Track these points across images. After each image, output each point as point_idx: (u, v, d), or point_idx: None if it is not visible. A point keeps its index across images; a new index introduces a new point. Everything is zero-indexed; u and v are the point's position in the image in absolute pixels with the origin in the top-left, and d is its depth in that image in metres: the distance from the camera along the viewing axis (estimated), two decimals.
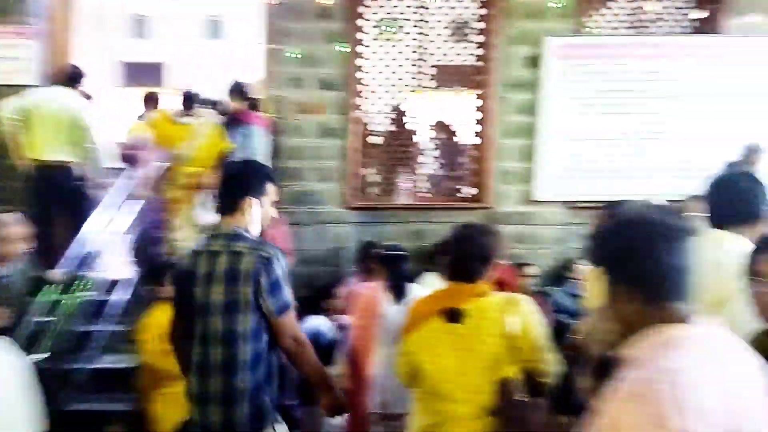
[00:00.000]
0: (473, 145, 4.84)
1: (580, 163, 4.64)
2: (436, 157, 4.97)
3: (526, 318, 2.06)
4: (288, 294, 1.97)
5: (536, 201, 4.73)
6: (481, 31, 4.66)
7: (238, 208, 2.01)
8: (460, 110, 4.88)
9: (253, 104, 4.66)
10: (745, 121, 4.48)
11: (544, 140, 4.63)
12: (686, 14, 4.72)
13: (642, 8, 4.70)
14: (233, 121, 4.36)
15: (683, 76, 4.55)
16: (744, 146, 4.20)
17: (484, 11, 4.62)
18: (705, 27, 4.67)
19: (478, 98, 4.74)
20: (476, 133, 4.79)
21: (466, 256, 2.17)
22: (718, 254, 1.79)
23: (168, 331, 2.17)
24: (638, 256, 1.06)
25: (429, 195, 4.90)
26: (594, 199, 4.63)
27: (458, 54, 4.79)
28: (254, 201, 2.02)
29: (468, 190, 4.86)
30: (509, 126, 4.69)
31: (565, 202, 4.72)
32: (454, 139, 5.02)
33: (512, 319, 2.06)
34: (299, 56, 4.57)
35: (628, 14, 4.72)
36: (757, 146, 4.19)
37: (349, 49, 4.56)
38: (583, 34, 4.61)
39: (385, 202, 4.88)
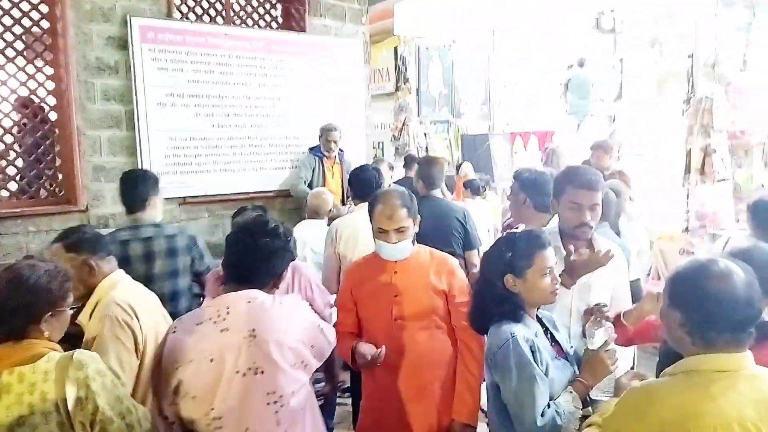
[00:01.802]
0: (56, 136, 4.03)
1: (185, 157, 4.38)
2: (7, 150, 3.94)
3: (85, 383, 1.64)
4: None
5: None
6: (42, 1, 3.87)
7: None
8: (35, 92, 3.98)
9: None
10: (324, 110, 4.99)
11: (143, 132, 4.19)
12: (272, 10, 4.92)
13: None
14: None
15: (276, 70, 4.73)
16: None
17: None
18: (290, 24, 4.96)
19: (50, 80, 3.95)
20: (55, 122, 4.00)
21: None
22: None
23: None
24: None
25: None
26: (204, 193, 4.50)
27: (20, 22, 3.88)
28: None
29: (48, 191, 4.04)
30: (97, 114, 4.07)
31: (173, 198, 4.40)
32: (30, 126, 4.08)
33: (70, 389, 1.61)
34: None
35: (218, 2, 4.63)
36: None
37: None
38: (173, 18, 4.30)
39: None
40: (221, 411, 1.67)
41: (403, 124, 8.54)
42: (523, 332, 1.72)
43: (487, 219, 5.99)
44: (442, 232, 3.34)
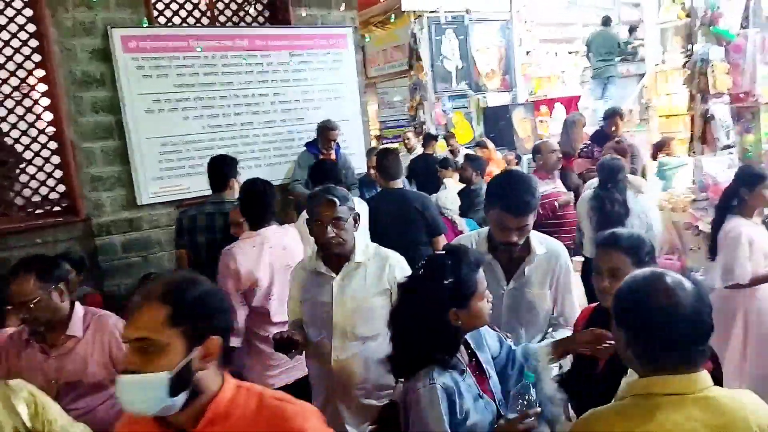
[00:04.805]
0: (52, 150, 4.21)
1: (178, 161, 4.47)
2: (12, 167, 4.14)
3: (33, 400, 1.76)
4: None
5: (140, 205, 4.42)
6: (30, 20, 4.01)
7: None
8: (28, 109, 4.15)
9: None
10: (316, 102, 4.99)
11: (134, 140, 4.31)
12: (256, 4, 4.90)
13: None
14: None
15: (263, 66, 4.73)
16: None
17: None
18: (276, 18, 4.93)
19: (45, 96, 4.11)
20: (51, 136, 4.17)
21: None
22: None
23: None
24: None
25: (1, 217, 4.08)
26: (200, 194, 4.58)
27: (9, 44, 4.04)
28: None
29: (52, 203, 4.23)
30: (89, 127, 4.21)
31: (170, 202, 4.52)
32: (30, 142, 4.26)
33: (21, 407, 1.72)
34: None
35: (200, 3, 4.66)
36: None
37: None
38: (153, 25, 4.36)
39: None
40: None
41: (419, 103, 8.40)
42: (447, 378, 1.56)
43: None
44: (401, 224, 3.36)
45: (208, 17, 4.70)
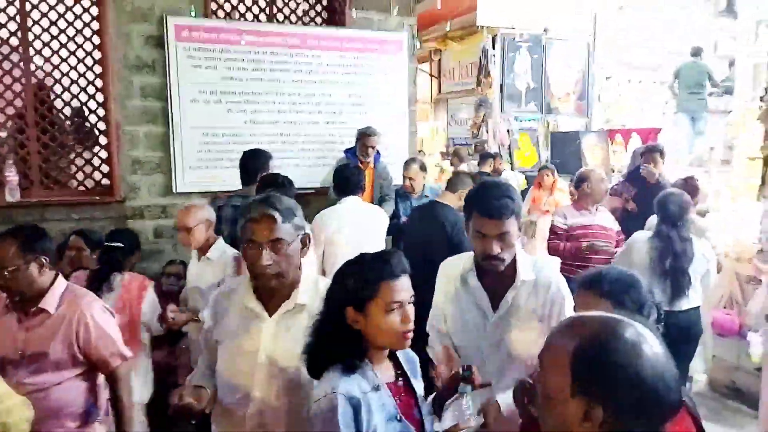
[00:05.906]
0: (99, 131, 4.33)
1: (216, 153, 4.48)
2: (51, 144, 4.27)
3: None
4: None
5: (175, 192, 4.45)
6: (94, 3, 4.15)
7: None
8: (82, 90, 4.29)
9: None
10: (363, 107, 4.87)
11: (177, 128, 4.36)
12: (316, 5, 4.86)
13: None
14: None
15: (312, 66, 4.67)
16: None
17: None
18: (333, 19, 4.87)
19: (99, 78, 4.24)
20: (100, 117, 4.29)
21: None
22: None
23: None
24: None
25: (45, 189, 4.23)
26: (235, 188, 4.56)
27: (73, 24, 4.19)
28: None
29: (95, 182, 4.34)
30: (136, 111, 4.30)
31: (205, 193, 4.53)
32: (75, 122, 4.41)
33: None
34: None
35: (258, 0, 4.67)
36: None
37: None
38: (209, 17, 4.40)
39: None
40: None
41: (482, 121, 8.12)
42: (353, 388, 1.40)
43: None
44: (425, 240, 3.20)
45: (266, 14, 4.71)
